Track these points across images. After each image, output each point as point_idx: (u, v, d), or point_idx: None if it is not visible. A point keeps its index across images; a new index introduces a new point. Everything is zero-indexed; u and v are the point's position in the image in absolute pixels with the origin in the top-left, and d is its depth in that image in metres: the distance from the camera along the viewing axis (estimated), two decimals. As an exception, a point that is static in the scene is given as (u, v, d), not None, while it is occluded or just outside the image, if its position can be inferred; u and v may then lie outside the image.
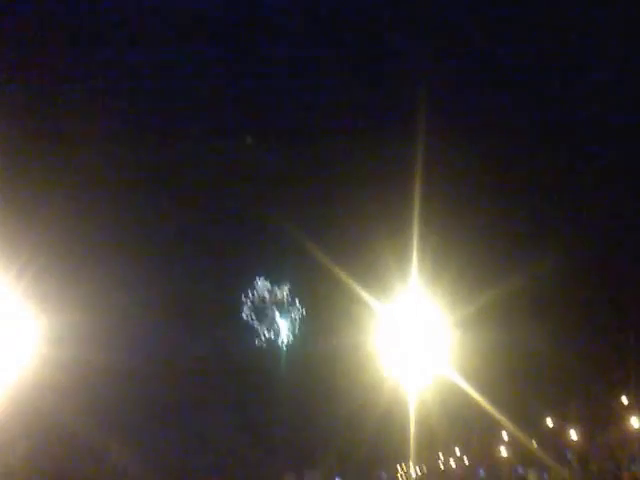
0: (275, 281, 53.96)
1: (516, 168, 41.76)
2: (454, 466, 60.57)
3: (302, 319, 53.29)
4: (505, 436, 54.18)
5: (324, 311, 49.41)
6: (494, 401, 21.22)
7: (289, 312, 53.74)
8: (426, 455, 42.29)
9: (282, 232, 48.18)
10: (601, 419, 49.31)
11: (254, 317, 53.75)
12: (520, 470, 29.34)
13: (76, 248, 34.37)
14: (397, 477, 33.03)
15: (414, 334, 15.15)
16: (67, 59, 42.04)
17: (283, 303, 53.77)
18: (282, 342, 53.14)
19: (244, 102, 52.95)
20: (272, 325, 53.81)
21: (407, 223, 17.91)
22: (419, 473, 33.70)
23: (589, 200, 41.57)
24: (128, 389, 37.86)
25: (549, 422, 53.45)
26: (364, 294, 20.33)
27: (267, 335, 53.76)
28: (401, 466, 42.53)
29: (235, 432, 48.84)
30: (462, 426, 47.29)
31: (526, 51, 43.94)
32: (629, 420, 46.21)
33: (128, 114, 46.06)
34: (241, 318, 54.06)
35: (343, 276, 27.12)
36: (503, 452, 56.64)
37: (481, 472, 32.39)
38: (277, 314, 53.83)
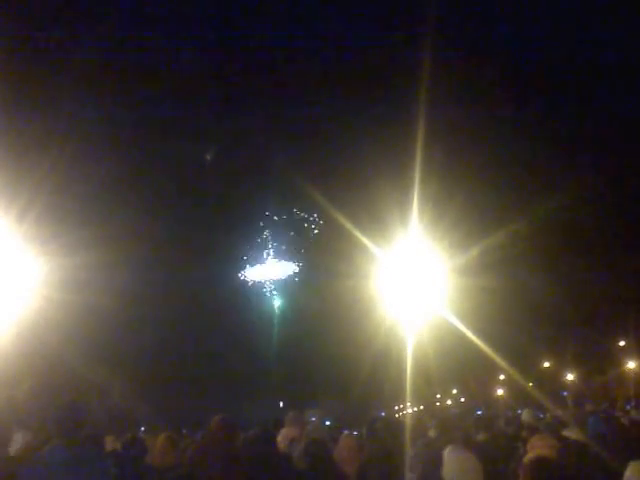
0: (275, 225, 54.17)
1: (521, 112, 41.36)
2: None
3: (303, 261, 53.66)
4: (502, 377, 55.25)
5: (324, 255, 49.67)
6: (492, 344, 21.47)
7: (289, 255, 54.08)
8: (423, 395, 43.08)
9: (281, 177, 48.10)
10: (598, 361, 50.15)
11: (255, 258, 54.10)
12: (518, 411, 29.85)
13: (80, 189, 34.23)
14: (395, 415, 33.90)
15: (413, 278, 15.24)
16: None
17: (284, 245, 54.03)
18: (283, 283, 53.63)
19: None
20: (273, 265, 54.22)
21: (409, 167, 17.80)
22: (416, 410, 34.45)
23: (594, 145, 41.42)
24: (129, 330, 38.38)
25: (546, 364, 54.43)
26: (364, 238, 20.38)
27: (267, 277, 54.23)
28: (399, 406, 43.35)
29: (234, 372, 49.60)
30: (460, 368, 48.04)
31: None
32: (625, 362, 47.01)
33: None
34: (244, 259, 54.46)
35: (343, 220, 27.13)
36: (500, 393, 57.80)
37: (478, 412, 32.99)
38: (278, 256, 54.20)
